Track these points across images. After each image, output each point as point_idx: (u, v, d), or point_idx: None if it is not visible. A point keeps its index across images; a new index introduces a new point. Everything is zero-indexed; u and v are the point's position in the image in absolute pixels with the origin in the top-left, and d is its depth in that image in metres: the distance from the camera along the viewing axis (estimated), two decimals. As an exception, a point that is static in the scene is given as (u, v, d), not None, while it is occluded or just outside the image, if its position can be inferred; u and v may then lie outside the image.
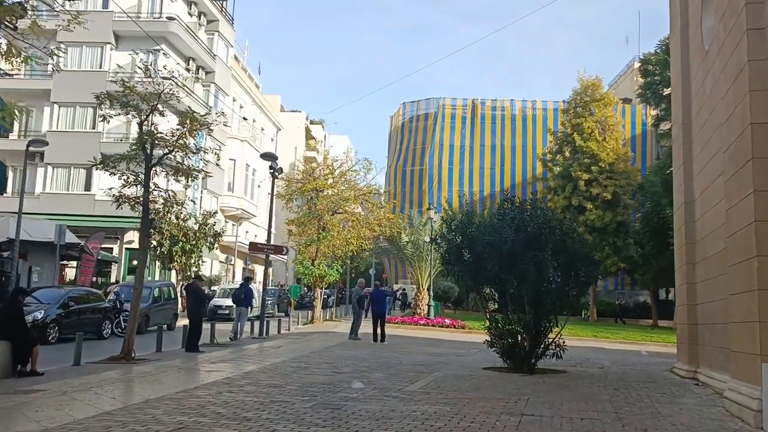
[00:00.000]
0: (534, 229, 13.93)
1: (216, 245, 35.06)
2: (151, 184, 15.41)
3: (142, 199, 15.16)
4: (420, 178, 68.75)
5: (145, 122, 15.28)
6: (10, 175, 42.48)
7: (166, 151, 15.28)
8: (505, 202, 14.81)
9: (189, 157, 15.71)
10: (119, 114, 15.35)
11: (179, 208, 35.67)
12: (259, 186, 54.71)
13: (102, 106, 15.00)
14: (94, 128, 39.88)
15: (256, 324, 24.13)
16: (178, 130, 15.46)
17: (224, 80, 50.20)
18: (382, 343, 20.81)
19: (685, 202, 14.60)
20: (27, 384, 10.69)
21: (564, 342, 14.13)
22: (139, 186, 15.32)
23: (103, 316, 22.17)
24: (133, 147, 15.31)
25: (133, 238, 36.35)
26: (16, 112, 9.48)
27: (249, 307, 21.99)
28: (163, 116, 15.25)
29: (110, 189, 15.20)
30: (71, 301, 20.83)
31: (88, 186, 40.83)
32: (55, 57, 11.30)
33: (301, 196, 33.26)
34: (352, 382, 11.20)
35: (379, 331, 21.26)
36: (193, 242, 33.31)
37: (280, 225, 48.83)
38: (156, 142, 15.13)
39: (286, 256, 50.60)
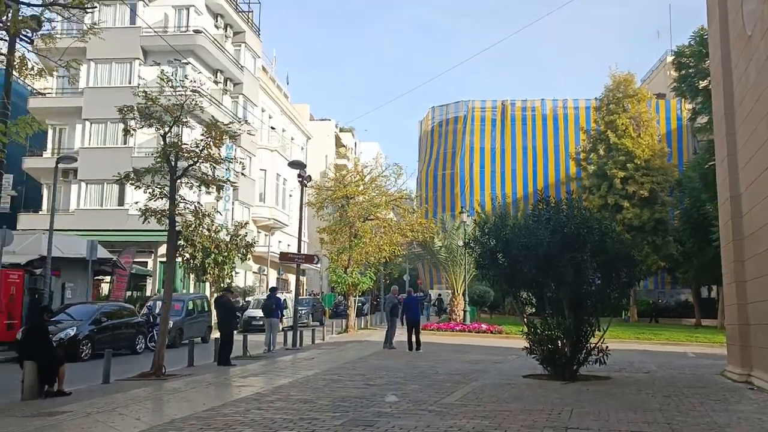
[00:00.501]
0: (571, 229, 13.34)
1: (248, 256, 34.90)
2: (177, 197, 15.16)
3: (168, 212, 14.89)
4: (452, 182, 68.09)
5: (169, 134, 15.05)
6: (45, 192, 42.96)
7: (191, 162, 15.01)
8: (540, 202, 14.23)
9: (215, 168, 15.42)
10: (142, 126, 15.13)
11: (210, 220, 35.82)
12: (290, 195, 54.63)
13: (125, 119, 14.78)
14: (125, 144, 40.09)
15: (290, 335, 23.85)
16: (202, 140, 15.19)
17: (252, 91, 50.26)
18: (417, 351, 20.30)
19: (731, 196, 13.87)
20: (53, 405, 10.43)
21: (607, 347, 13.49)
22: (165, 199, 15.07)
23: (137, 330, 22.05)
24: (158, 159, 15.08)
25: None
26: (31, 125, 9.23)
27: (280, 318, 21.62)
28: (187, 127, 15.01)
29: (136, 203, 14.98)
30: (104, 317, 20.73)
31: (121, 201, 41.04)
32: (71, 69, 11.07)
33: (332, 203, 32.97)
34: (386, 395, 10.73)
35: (413, 339, 20.76)
36: (225, 254, 33.14)
37: (312, 234, 48.67)
38: (180, 153, 14.88)
39: (318, 265, 50.46)
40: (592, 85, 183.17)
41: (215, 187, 15.95)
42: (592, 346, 13.53)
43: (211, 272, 32.87)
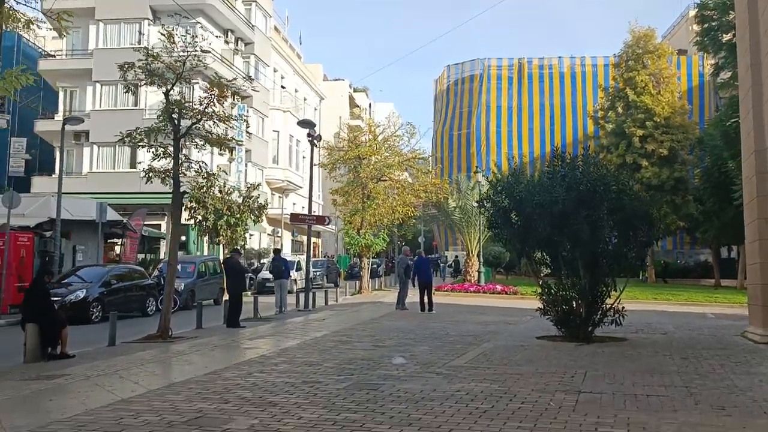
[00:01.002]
0: (587, 186, 12.84)
1: (261, 218, 34.57)
2: (181, 156, 14.79)
3: (172, 172, 14.54)
4: (467, 141, 67.20)
5: (172, 92, 14.62)
6: (57, 155, 42.81)
7: (195, 120, 14.58)
8: (555, 158, 13.71)
9: (218, 126, 14.99)
10: (144, 84, 14.70)
11: (223, 182, 35.50)
12: (303, 157, 54.15)
13: (126, 76, 14.35)
14: (136, 105, 39.66)
15: (302, 296, 23.69)
16: (206, 98, 14.75)
17: (264, 51, 49.51)
18: (429, 312, 20.01)
19: (756, 150, 13.26)
20: (54, 368, 10.24)
21: (623, 307, 13.06)
22: (169, 159, 14.72)
23: (147, 293, 21.91)
24: (161, 118, 14.68)
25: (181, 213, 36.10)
26: (18, 79, 8.83)
27: (289, 279, 21.36)
28: (190, 84, 14.55)
29: (140, 163, 14.64)
30: (114, 279, 20.60)
31: (133, 164, 40.70)
32: (63, 22, 10.60)
33: (344, 164, 32.51)
34: (393, 357, 10.43)
35: (426, 300, 20.45)
36: (238, 215, 32.83)
37: (327, 195, 48.28)
38: (184, 111, 14.45)
39: (333, 227, 50.19)
40: (611, 42, 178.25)
41: (227, 149, 15.57)
42: (608, 306, 13.13)
43: (224, 234, 32.63)
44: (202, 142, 15.08)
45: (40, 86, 44.40)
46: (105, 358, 11.11)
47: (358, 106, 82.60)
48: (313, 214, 23.69)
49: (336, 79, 79.32)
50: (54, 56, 44.14)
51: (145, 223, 37.91)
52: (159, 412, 6.83)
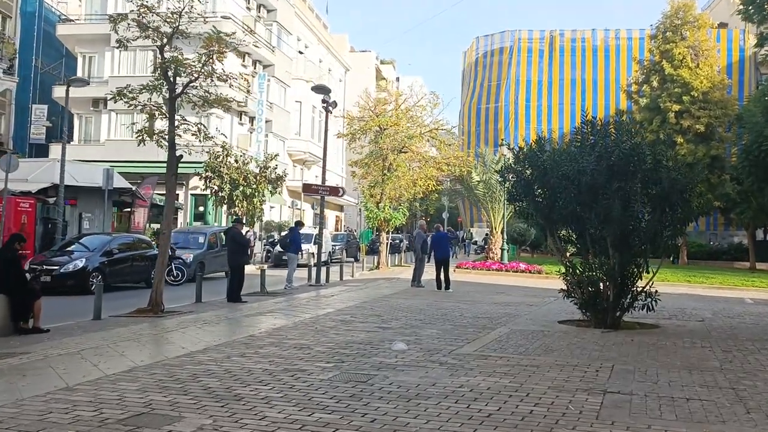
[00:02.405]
0: (620, 156, 11.48)
1: (279, 189, 33.47)
2: (177, 118, 13.69)
3: (167, 133, 13.45)
4: (495, 116, 65.32)
5: (167, 47, 13.48)
6: (76, 122, 42.14)
7: (191, 78, 13.43)
8: (584, 124, 12.33)
9: (215, 85, 13.82)
10: (137, 38, 13.56)
11: (239, 150, 34.46)
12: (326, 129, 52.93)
13: (116, 28, 13.23)
14: (154, 72, 38.56)
15: (316, 270, 22.76)
16: (203, 53, 13.57)
17: (287, 19, 48.15)
18: (446, 291, 18.81)
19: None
20: (19, 344, 9.26)
21: (656, 291, 11.74)
22: (164, 119, 13.63)
23: (152, 263, 20.95)
24: (155, 76, 13.56)
25: (197, 183, 35.15)
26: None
27: (299, 253, 20.20)
28: (186, 38, 13.37)
29: (133, 124, 13.57)
30: (117, 249, 19.69)
31: (150, 132, 39.87)
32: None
33: (364, 134, 31.24)
34: (394, 342, 9.26)
35: (442, 277, 19.23)
36: (254, 186, 31.78)
37: (349, 167, 47.09)
38: (180, 69, 13.29)
39: (356, 201, 48.99)
40: (648, 14, 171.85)
41: (218, 106, 14.41)
42: (639, 289, 11.82)
43: (240, 205, 31.65)
44: (201, 103, 13.93)
45: (63, 53, 43.70)
46: (79, 335, 10.11)
47: (384, 79, 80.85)
48: (326, 185, 22.47)
49: (363, 51, 77.70)
50: (72, 21, 43.26)
51: (163, 193, 37.17)
52: (100, 405, 5.75)
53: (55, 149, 40.64)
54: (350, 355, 8.33)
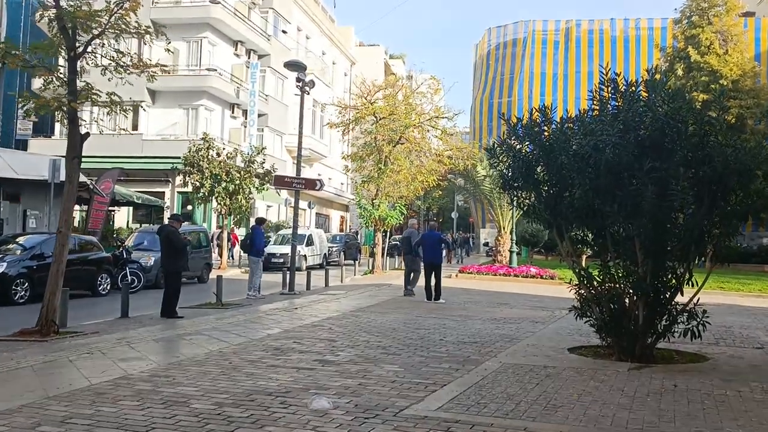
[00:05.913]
0: (654, 125, 8.35)
1: (266, 186, 30.40)
2: (82, 83, 10.75)
3: (65, 101, 10.49)
4: (508, 110, 61.71)
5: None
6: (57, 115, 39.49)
7: (95, 33, 10.47)
8: (604, 85, 9.16)
9: (124, 40, 10.83)
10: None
11: (220, 143, 31.51)
12: (327, 124, 49.96)
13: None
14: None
15: (304, 276, 19.98)
16: (113, 5, 10.60)
17: (284, 6, 45.26)
18: (436, 302, 15.67)
19: None
20: None
21: (705, 311, 8.58)
22: (63, 86, 10.70)
23: (98, 268, 18.09)
24: (52, 32, 10.63)
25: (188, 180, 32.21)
26: None
27: (260, 256, 17.04)
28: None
29: (26, 93, 10.64)
30: (52, 252, 16.75)
31: (135, 126, 37.27)
32: None
33: (358, 125, 28.20)
34: (314, 397, 6.14)
35: (432, 283, 16.07)
36: (238, 182, 28.74)
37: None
38: (80, 21, 10.33)
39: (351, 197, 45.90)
40: (670, 1, 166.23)
41: (149, 76, 11.42)
42: (680, 307, 8.68)
43: (221, 202, 28.67)
44: (112, 66, 10.95)
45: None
46: None
47: (393, 74, 77.80)
48: (301, 177, 19.39)
49: (371, 45, 74.65)
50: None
51: (147, 190, 34.33)
52: None
53: (34, 144, 38.04)
54: (235, 421, 5.28)
